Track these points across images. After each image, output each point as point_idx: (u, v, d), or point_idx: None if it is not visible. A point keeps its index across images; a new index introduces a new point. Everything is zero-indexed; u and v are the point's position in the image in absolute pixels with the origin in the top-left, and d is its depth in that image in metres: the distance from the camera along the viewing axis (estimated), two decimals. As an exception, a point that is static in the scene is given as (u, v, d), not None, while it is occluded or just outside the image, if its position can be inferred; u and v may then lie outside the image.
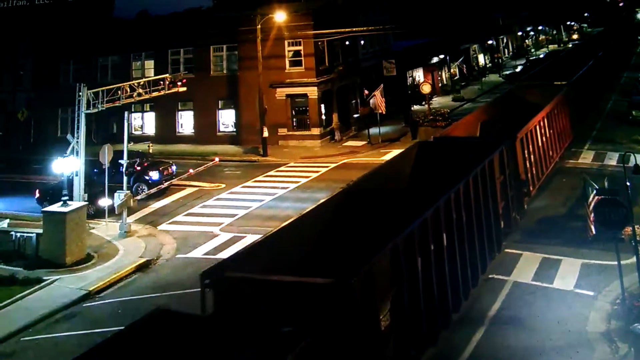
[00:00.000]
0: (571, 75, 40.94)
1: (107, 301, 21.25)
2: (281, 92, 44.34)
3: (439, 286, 16.00)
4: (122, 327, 12.22)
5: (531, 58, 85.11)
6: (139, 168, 33.39)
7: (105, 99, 29.82)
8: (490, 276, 20.02)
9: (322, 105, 44.85)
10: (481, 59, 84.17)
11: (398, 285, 14.13)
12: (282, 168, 38.12)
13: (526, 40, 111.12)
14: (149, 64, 48.78)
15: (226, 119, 47.10)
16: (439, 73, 67.71)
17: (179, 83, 34.65)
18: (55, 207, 25.12)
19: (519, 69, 73.79)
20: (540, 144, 28.22)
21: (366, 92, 45.18)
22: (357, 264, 12.72)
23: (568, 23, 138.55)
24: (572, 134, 35.98)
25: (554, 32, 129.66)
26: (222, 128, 47.07)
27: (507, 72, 74.27)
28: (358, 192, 19.27)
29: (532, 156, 26.52)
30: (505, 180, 22.27)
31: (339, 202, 18.28)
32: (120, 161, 28.57)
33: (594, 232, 21.56)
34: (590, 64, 47.87)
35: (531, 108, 30.37)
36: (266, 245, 14.84)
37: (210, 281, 12.97)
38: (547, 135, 29.88)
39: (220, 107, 47.11)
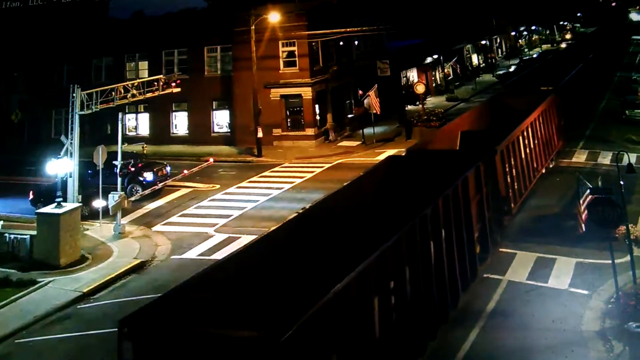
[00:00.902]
0: (559, 79, 40.05)
1: (101, 302, 21.18)
2: (275, 93, 44.33)
3: (401, 328, 14.09)
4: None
5: (524, 58, 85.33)
6: (133, 169, 33.33)
7: (99, 100, 29.73)
8: (485, 275, 20.04)
9: (317, 106, 44.85)
10: (475, 59, 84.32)
11: (348, 334, 12.14)
12: (276, 168, 38.11)
13: (519, 40, 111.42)
14: (143, 65, 48.69)
15: (220, 119, 47.06)
16: (433, 73, 67.79)
17: (173, 84, 34.53)
18: (49, 209, 25.04)
19: (512, 68, 74.02)
20: (523, 155, 26.07)
21: (360, 92, 45.22)
22: (296, 311, 11.01)
23: (561, 23, 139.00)
24: (560, 142, 33.66)
25: (547, 32, 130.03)
26: (216, 129, 47.03)
27: (501, 72, 74.48)
28: (314, 217, 17.25)
29: (514, 170, 24.37)
30: (482, 200, 20.17)
31: (291, 230, 16.16)
32: (114, 162, 28.54)
33: (584, 230, 21.70)
34: (579, 67, 47.26)
35: (516, 115, 28.12)
36: (203, 283, 12.99)
37: (128, 330, 11.30)
38: (532, 146, 27.65)
39: (214, 107, 47.09)
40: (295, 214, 18.02)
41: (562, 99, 35.85)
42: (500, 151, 22.84)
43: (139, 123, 48.98)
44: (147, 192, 32.32)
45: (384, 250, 13.66)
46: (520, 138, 26.00)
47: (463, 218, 18.14)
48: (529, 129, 27.47)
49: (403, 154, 23.99)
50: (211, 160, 37.79)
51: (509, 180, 23.53)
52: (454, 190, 17.74)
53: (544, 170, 29.46)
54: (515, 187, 24.45)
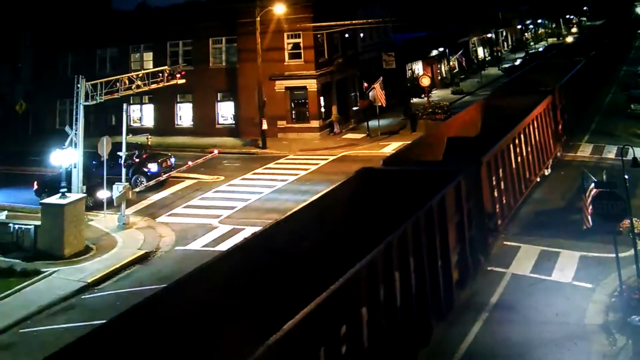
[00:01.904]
0: (560, 76, 36.69)
1: (105, 293, 21.26)
2: (280, 85, 44.27)
3: None
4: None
5: (530, 51, 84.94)
6: (137, 160, 33.32)
7: (103, 91, 29.77)
8: (489, 268, 20.04)
9: (322, 98, 44.80)
10: (480, 52, 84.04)
11: None
12: (281, 160, 38.10)
13: (525, 34, 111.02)
14: (148, 56, 48.70)
15: (225, 111, 47.03)
16: (439, 66, 67.60)
17: (178, 75, 34.60)
18: (54, 199, 25.11)
19: (518, 62, 73.65)
20: (514, 165, 23.72)
21: (365, 84, 45.11)
22: None
23: (567, 16, 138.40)
24: (557, 147, 31.38)
25: (554, 25, 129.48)
26: (221, 120, 47.01)
27: (507, 65, 74.11)
28: (266, 245, 14.74)
29: (502, 182, 22.07)
30: (462, 219, 17.90)
31: (235, 262, 13.83)
32: (118, 153, 28.54)
33: (590, 224, 21.61)
34: (581, 64, 42.86)
35: (509, 118, 25.76)
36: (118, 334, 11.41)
37: None
38: (524, 153, 25.24)
39: (219, 99, 47.05)
40: (244, 240, 15.37)
41: (565, 95, 33.91)
42: (487, 162, 20.57)
43: (144, 114, 48.99)
44: (151, 183, 32.37)
45: (336, 290, 11.38)
46: (512, 146, 23.70)
47: (438, 243, 16.01)
48: (522, 135, 25.15)
49: (377, 167, 20.72)
50: (216, 151, 37.80)
51: (496, 194, 21.27)
52: (426, 213, 15.53)
53: (538, 179, 27.41)
54: (504, 201, 22.10)
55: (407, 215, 14.89)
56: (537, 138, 27.42)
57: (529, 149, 25.97)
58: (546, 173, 28.88)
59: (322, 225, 16.69)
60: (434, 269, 15.69)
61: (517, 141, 24.42)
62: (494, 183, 21.14)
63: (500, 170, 21.93)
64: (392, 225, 14.35)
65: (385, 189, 18.60)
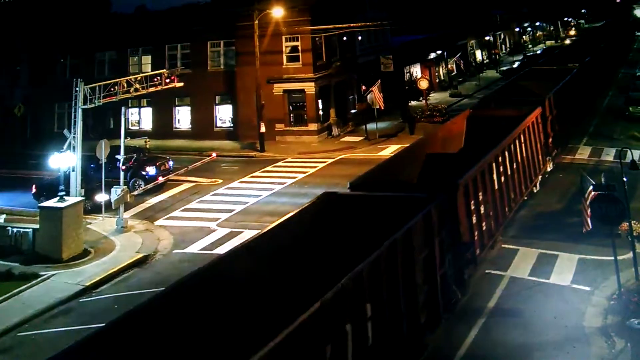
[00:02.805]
0: (552, 84, 34.36)
1: (103, 296, 21.23)
2: (278, 88, 44.26)
3: None
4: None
5: (528, 54, 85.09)
6: (135, 163, 33.35)
7: (102, 94, 29.72)
8: (487, 271, 20.04)
9: (320, 101, 44.81)
10: (478, 54, 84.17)
11: None
12: (279, 163, 38.09)
13: (523, 37, 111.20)
14: (146, 59, 48.73)
15: (223, 114, 47.05)
16: (437, 69, 67.67)
17: (176, 78, 34.61)
18: (52, 203, 25.10)
19: (516, 65, 73.77)
20: (497, 186, 21.42)
21: (364, 87, 45.16)
22: None
23: (565, 19, 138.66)
24: (547, 162, 29.25)
25: (551, 28, 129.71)
26: (219, 123, 47.03)
27: (505, 68, 74.28)
28: (214, 280, 13.08)
29: (482, 206, 19.72)
30: (432, 254, 15.71)
31: (176, 300, 12.39)
32: (117, 156, 28.54)
33: (590, 227, 21.64)
34: (574, 71, 40.33)
35: (496, 131, 23.58)
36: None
37: None
38: (509, 172, 22.95)
39: (217, 102, 47.09)
40: (184, 277, 13.40)
41: (557, 104, 31.85)
42: (464, 186, 18.40)
43: (142, 117, 49.00)
44: (149, 186, 32.33)
45: (274, 348, 9.72)
46: (494, 165, 21.40)
47: (401, 285, 13.92)
48: (507, 152, 22.84)
49: (340, 192, 18.52)
50: (214, 154, 37.81)
51: (475, 220, 18.99)
52: (388, 250, 13.41)
53: (526, 197, 25.31)
54: (484, 227, 19.75)
55: (367, 253, 12.93)
56: (525, 154, 25.26)
57: (515, 166, 23.73)
58: (534, 190, 26.83)
59: (272, 264, 14.57)
60: (396, 313, 13.68)
61: (500, 159, 22.09)
62: (473, 208, 18.93)
63: (481, 193, 19.66)
64: (349, 264, 12.61)
65: (346, 218, 16.85)
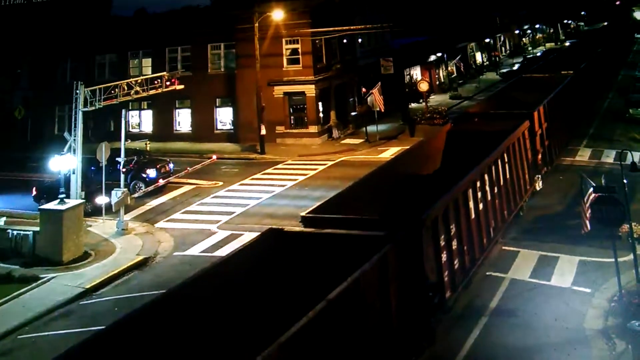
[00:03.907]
0: (544, 94, 31.84)
1: (104, 299, 21.22)
2: (279, 90, 44.28)
3: None
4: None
5: (528, 56, 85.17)
6: (136, 166, 33.38)
7: (102, 97, 29.77)
8: (487, 273, 20.03)
9: (320, 103, 44.83)
10: (478, 57, 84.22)
11: None
12: (279, 166, 38.10)
13: (523, 39, 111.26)
14: (147, 62, 48.75)
15: (224, 116, 47.07)
16: (437, 71, 67.74)
17: (176, 80, 34.64)
18: (52, 205, 25.09)
19: (516, 67, 73.88)
20: (473, 215, 18.91)
21: (364, 90, 45.20)
22: None
23: (565, 21, 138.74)
24: (534, 182, 26.64)
25: (551, 30, 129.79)
26: (219, 126, 47.04)
27: (505, 70, 74.39)
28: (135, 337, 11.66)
29: (455, 241, 17.26)
30: (387, 304, 13.56)
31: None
32: (117, 159, 28.57)
33: (588, 228, 21.63)
34: (566, 81, 36.85)
35: (478, 148, 21.29)
36: None
37: None
38: (489, 198, 20.38)
39: (217, 105, 47.11)
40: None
41: (549, 116, 29.75)
42: (433, 220, 16.04)
43: (142, 120, 49.00)
44: (150, 188, 32.34)
45: None
46: (471, 192, 18.88)
47: (347, 345, 11.96)
48: (486, 176, 20.34)
49: (288, 229, 16.22)
50: (214, 157, 37.84)
51: (444, 258, 16.48)
52: (328, 308, 11.29)
53: (510, 218, 22.79)
54: (456, 265, 17.26)
55: (308, 306, 11.20)
56: (509, 175, 22.74)
57: (497, 190, 21.16)
58: (521, 214, 24.43)
59: (196, 318, 12.76)
60: None
61: (479, 184, 19.60)
62: (443, 244, 16.54)
63: (453, 226, 17.28)
64: (286, 321, 10.93)
65: (294, 259, 14.84)
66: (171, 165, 35.21)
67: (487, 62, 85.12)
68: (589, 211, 20.69)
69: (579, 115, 39.49)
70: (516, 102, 31.92)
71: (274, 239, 15.35)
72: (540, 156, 27.74)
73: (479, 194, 19.49)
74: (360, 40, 51.25)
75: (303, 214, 16.67)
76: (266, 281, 14.16)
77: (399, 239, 14.36)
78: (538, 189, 27.06)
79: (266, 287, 14.03)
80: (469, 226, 18.45)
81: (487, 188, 20.27)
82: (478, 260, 18.96)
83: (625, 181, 19.34)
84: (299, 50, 44.13)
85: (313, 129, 44.06)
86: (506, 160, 22.64)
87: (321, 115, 45.06)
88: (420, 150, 24.75)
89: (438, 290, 15.92)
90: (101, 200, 28.77)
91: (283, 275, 14.37)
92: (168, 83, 34.24)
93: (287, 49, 44.48)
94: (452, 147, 25.06)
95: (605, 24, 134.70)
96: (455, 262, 17.24)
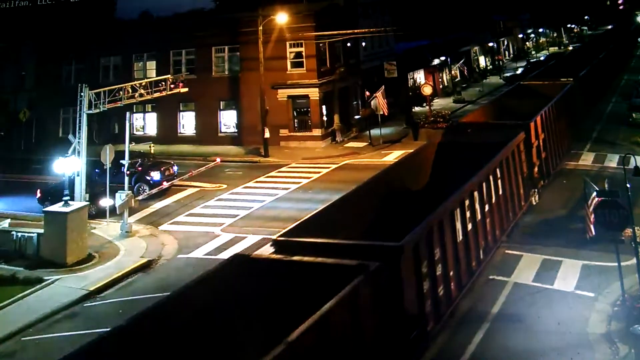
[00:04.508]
0: (542, 102, 30.34)
1: (108, 301, 21.28)
2: (283, 93, 44.37)
3: None
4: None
5: (532, 60, 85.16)
6: (140, 168, 33.44)
7: (106, 100, 29.83)
8: (490, 277, 20.04)
9: (324, 107, 44.88)
10: (482, 61, 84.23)
11: None
12: (283, 169, 38.14)
13: (527, 43, 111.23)
14: (151, 65, 48.81)
15: (228, 119, 47.14)
16: (440, 75, 67.74)
17: (180, 83, 34.72)
18: (57, 207, 25.16)
19: (519, 71, 73.87)
20: (461, 236, 17.45)
21: (367, 93, 45.22)
22: None
23: (569, 26, 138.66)
24: (532, 195, 25.44)
25: (555, 34, 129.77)
26: (223, 129, 47.11)
27: (508, 74, 74.37)
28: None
29: (439, 266, 15.85)
30: (362, 344, 12.23)
31: None
32: (121, 161, 28.65)
33: (593, 233, 21.61)
34: (565, 89, 34.95)
35: (467, 165, 19.78)
36: None
37: None
38: (479, 217, 18.93)
39: (221, 107, 47.17)
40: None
41: (547, 126, 28.51)
42: (414, 246, 14.61)
43: (147, 122, 49.09)
44: (154, 191, 32.43)
45: None
46: (458, 212, 17.58)
47: None
48: (476, 194, 18.94)
49: (255, 255, 15.30)
50: (218, 160, 37.90)
51: (427, 286, 15.07)
52: (287, 352, 10.09)
53: (504, 238, 21.48)
54: (441, 292, 15.84)
55: (271, 343, 10.29)
56: (502, 191, 21.30)
57: (488, 208, 19.80)
58: (503, 238, 22.06)
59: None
60: None
61: (468, 202, 18.24)
62: (426, 270, 15.13)
63: (438, 251, 15.88)
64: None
65: (256, 290, 13.45)
66: (175, 168, 35.28)
67: (491, 66, 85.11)
68: (593, 216, 20.69)
69: (579, 125, 37.93)
70: (512, 112, 30.84)
71: (240, 266, 13.91)
72: (536, 169, 26.40)
73: (468, 214, 18.12)
74: (364, 43, 51.30)
75: (275, 237, 15.45)
76: (228, 313, 12.83)
77: (373, 271, 12.74)
78: (534, 203, 25.88)
79: (228, 319, 12.79)
80: (455, 249, 17.07)
81: (477, 206, 18.90)
82: (465, 286, 17.49)
83: (628, 185, 19.33)
84: (303, 53, 44.19)
85: (317, 132, 44.11)
86: (499, 175, 21.20)
87: (325, 118, 45.10)
88: (411, 162, 23.27)
89: (417, 324, 14.46)
90: (105, 202, 28.83)
91: (248, 306, 13.11)
92: (172, 86, 34.30)
93: (291, 52, 44.55)
94: (443, 159, 23.46)
95: (610, 27, 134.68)
96: (440, 289, 15.80)
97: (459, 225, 17.42)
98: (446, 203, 16.90)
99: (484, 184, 19.63)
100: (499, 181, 21.10)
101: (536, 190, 26.16)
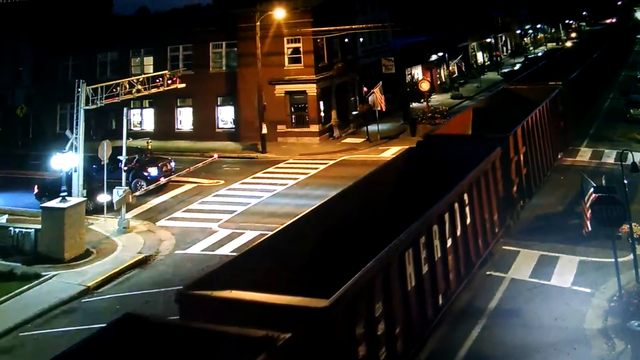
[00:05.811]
0: (526, 108, 27.63)
1: (105, 297, 21.27)
2: (280, 89, 44.33)
3: None
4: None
5: (530, 56, 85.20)
6: (137, 164, 33.41)
7: (104, 95, 29.77)
8: (488, 273, 20.05)
9: (321, 102, 44.88)
10: (480, 57, 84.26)
11: None
12: (280, 165, 38.14)
13: (525, 39, 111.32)
14: (148, 61, 48.75)
15: (225, 115, 47.12)
16: (438, 71, 67.79)
17: (178, 79, 34.69)
18: (54, 203, 25.14)
19: (517, 67, 73.92)
20: (414, 282, 14.37)
21: (365, 89, 45.28)
22: None
23: (567, 21, 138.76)
24: (510, 217, 22.21)
25: (553, 30, 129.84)
26: (221, 124, 47.10)
27: (506, 70, 74.41)
28: None
29: (381, 324, 12.77)
30: None
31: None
32: (119, 157, 28.57)
33: (589, 229, 21.68)
34: (553, 95, 31.44)
35: (434, 183, 17.53)
36: None
37: None
38: (439, 254, 15.79)
39: (219, 103, 47.16)
40: None
41: (529, 137, 25.56)
42: (349, 301, 11.65)
43: (144, 118, 49.06)
44: (151, 187, 32.43)
45: None
46: (411, 253, 14.45)
47: None
48: (436, 227, 15.81)
49: (150, 318, 12.02)
50: (215, 156, 37.91)
51: (362, 351, 12.02)
52: None
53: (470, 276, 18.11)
54: (383, 355, 12.74)
55: None
56: (470, 220, 18.21)
57: (451, 243, 16.74)
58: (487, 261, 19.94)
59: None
60: None
61: (424, 239, 15.19)
62: (362, 331, 12.16)
63: (380, 305, 12.85)
64: None
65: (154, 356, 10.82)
66: (172, 164, 35.25)
67: (489, 62, 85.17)
68: (590, 211, 20.73)
69: (568, 135, 34.65)
70: (491, 121, 27.86)
71: (131, 330, 11.00)
72: (515, 188, 23.13)
73: (424, 253, 15.02)
74: (361, 39, 51.30)
75: (180, 288, 12.48)
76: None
77: (281, 346, 9.61)
78: (512, 225, 22.56)
79: None
80: (405, 298, 13.93)
81: (437, 243, 15.79)
82: (417, 340, 14.24)
83: (625, 181, 19.39)
84: (301, 49, 44.15)
85: (314, 128, 44.11)
86: (467, 202, 18.03)
87: (322, 114, 45.10)
88: (377, 178, 20.05)
89: None
90: (103, 198, 28.80)
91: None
92: (170, 82, 34.27)
93: (288, 48, 44.51)
94: (410, 176, 20.18)
95: (613, 20, 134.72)
96: (382, 350, 12.71)
97: (410, 270, 14.32)
98: (396, 242, 13.71)
99: (446, 215, 16.50)
100: (466, 208, 17.99)
101: (516, 211, 23.18)
